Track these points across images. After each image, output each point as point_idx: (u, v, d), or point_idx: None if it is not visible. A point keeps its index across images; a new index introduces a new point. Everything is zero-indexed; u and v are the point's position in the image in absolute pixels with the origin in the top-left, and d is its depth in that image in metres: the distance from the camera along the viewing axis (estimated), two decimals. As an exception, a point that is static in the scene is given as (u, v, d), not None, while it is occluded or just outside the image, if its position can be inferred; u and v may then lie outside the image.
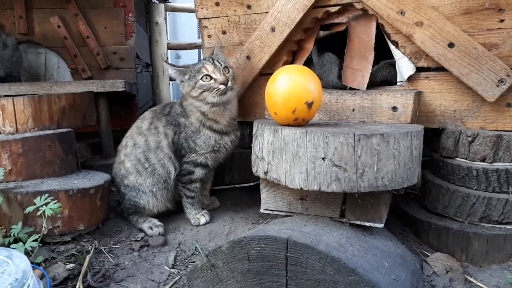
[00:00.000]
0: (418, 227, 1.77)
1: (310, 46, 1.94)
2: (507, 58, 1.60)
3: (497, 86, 1.59)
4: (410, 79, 1.76)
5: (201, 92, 1.82)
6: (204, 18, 2.12)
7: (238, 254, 1.24)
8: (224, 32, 2.10)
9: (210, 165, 1.99)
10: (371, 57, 1.80)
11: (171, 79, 4.51)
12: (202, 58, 1.97)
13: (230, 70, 1.85)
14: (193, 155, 1.93)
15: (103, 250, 1.78)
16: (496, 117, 1.67)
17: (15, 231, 1.60)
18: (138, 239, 1.90)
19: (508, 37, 1.60)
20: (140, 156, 1.98)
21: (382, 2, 1.69)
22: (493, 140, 1.61)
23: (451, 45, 1.62)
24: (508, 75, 1.57)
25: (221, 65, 1.82)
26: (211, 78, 1.79)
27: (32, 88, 2.53)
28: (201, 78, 1.80)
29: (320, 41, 2.01)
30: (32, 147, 1.87)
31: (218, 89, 1.78)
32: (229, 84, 1.79)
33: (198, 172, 1.97)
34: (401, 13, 1.67)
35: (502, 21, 1.60)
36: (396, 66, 1.81)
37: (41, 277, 1.46)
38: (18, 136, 1.89)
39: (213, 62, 1.82)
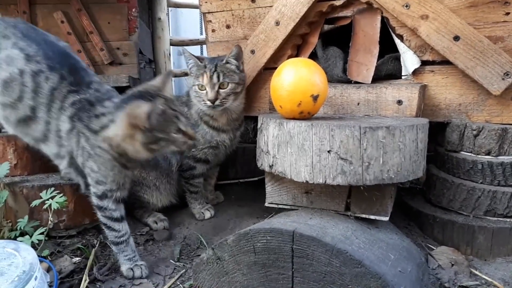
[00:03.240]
0: (423, 220, 1.77)
1: (314, 40, 1.93)
2: (513, 51, 1.60)
3: (503, 79, 1.59)
4: (415, 72, 1.76)
5: (195, 96, 1.84)
6: (208, 12, 2.12)
7: (244, 247, 1.24)
8: (228, 26, 2.10)
9: (211, 160, 1.99)
10: (376, 50, 1.80)
11: (175, 76, 4.51)
12: (210, 59, 1.88)
13: (230, 85, 1.78)
14: (192, 149, 1.93)
15: (108, 244, 1.78)
16: (502, 111, 1.67)
17: (21, 225, 1.61)
18: (143, 233, 1.91)
19: (514, 30, 1.59)
20: None
21: (387, -5, 1.69)
22: (498, 134, 1.61)
23: (456, 38, 1.62)
24: (513, 68, 1.56)
25: (218, 80, 1.76)
26: (205, 89, 1.78)
27: (36, 83, 2.53)
28: (197, 84, 1.80)
29: (325, 35, 2.00)
30: (37, 141, 1.87)
31: (206, 103, 1.78)
32: (217, 102, 1.76)
33: (200, 168, 1.97)
34: (406, 6, 1.66)
35: (507, 14, 1.59)
36: (401, 59, 1.80)
37: (48, 270, 1.47)
38: (23, 130, 1.90)
39: (212, 74, 1.76)
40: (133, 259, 1.55)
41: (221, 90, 1.77)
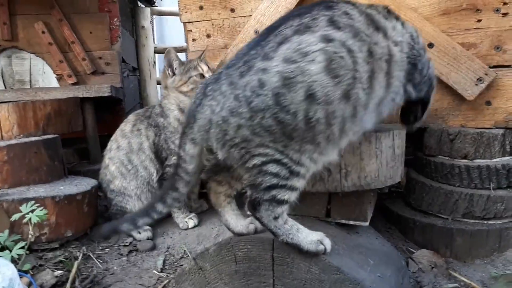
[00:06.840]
0: (403, 224, 1.80)
1: (294, 48, 1.96)
2: (485, 57, 1.64)
3: (476, 84, 1.63)
4: (392, 79, 1.79)
5: (193, 88, 1.89)
6: (189, 22, 2.13)
7: (225, 256, 1.25)
8: (208, 36, 2.11)
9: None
10: (354, 58, 1.83)
11: (158, 83, 4.50)
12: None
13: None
14: (174, 157, 1.93)
15: (92, 256, 1.77)
16: (476, 115, 1.71)
17: (2, 239, 1.59)
18: (127, 244, 1.90)
19: (486, 37, 1.64)
20: (123, 158, 2.00)
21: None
22: (473, 138, 1.64)
23: (430, 45, 1.66)
24: (486, 74, 1.61)
25: (210, 69, 1.93)
26: (204, 77, 1.87)
27: (16, 94, 2.51)
28: (196, 75, 1.90)
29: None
30: (17, 154, 1.85)
31: None
32: None
33: None
34: (382, 14, 1.69)
35: (479, 21, 1.64)
36: (379, 66, 1.83)
37: (29, 284, 1.46)
38: (3, 143, 1.88)
39: (207, 64, 1.93)
40: None
41: None
